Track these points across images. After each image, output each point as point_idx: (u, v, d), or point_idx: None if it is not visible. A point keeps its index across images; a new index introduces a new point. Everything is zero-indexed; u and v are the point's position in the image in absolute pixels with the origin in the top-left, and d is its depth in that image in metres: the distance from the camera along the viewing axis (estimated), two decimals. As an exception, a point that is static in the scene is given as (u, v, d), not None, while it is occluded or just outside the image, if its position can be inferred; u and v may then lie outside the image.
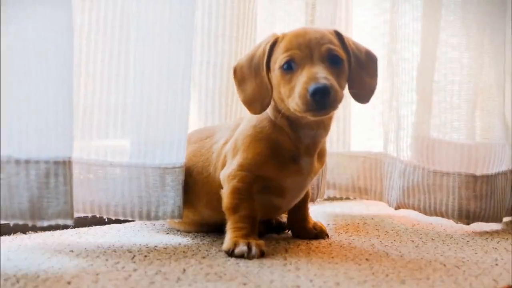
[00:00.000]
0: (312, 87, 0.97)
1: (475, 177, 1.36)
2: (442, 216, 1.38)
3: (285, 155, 1.09)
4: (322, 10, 1.43)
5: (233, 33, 1.33)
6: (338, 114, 1.57)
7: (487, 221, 1.37)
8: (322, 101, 0.97)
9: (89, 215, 1.15)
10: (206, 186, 1.15)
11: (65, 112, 0.99)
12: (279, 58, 1.04)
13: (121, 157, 1.13)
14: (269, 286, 0.86)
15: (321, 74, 0.98)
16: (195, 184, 1.16)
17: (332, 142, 1.55)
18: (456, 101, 1.40)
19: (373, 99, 1.55)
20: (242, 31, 1.35)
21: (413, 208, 1.41)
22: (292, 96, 1.01)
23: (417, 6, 1.42)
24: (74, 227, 1.24)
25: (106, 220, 1.25)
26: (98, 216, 1.14)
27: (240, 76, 1.10)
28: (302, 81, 0.99)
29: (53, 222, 0.98)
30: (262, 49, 1.08)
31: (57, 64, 0.98)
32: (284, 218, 1.28)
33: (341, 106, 1.56)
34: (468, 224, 1.37)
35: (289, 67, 1.03)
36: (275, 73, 1.05)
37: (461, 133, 1.41)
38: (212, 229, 1.21)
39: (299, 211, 1.21)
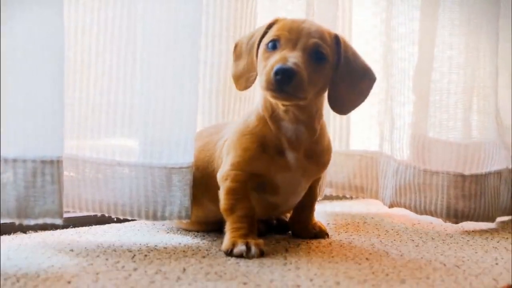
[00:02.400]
0: (277, 66, 0.97)
1: (463, 176, 1.36)
2: (431, 215, 1.39)
3: (272, 148, 1.08)
4: (321, 8, 1.43)
5: (230, 33, 1.33)
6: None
7: (477, 220, 1.37)
8: (283, 83, 0.97)
9: (99, 214, 1.15)
10: (211, 180, 1.15)
11: (54, 111, 0.99)
12: (268, 36, 1.06)
13: (129, 156, 1.14)
14: (269, 285, 0.86)
15: (292, 59, 0.99)
16: (202, 178, 1.16)
17: (335, 140, 1.55)
18: (445, 100, 1.41)
19: (370, 97, 1.57)
20: (239, 31, 1.35)
21: (405, 207, 1.42)
22: (263, 73, 1.01)
23: (413, 6, 1.42)
24: (74, 226, 1.24)
25: (106, 219, 1.25)
26: (106, 215, 1.15)
27: (238, 52, 1.13)
28: (273, 60, 1.00)
29: (40, 221, 0.98)
30: (262, 28, 1.10)
31: (47, 63, 0.98)
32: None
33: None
34: (456, 223, 1.37)
35: (273, 47, 1.04)
36: (260, 50, 1.06)
37: (452, 132, 1.41)
38: (216, 227, 1.21)
39: (303, 212, 1.21)
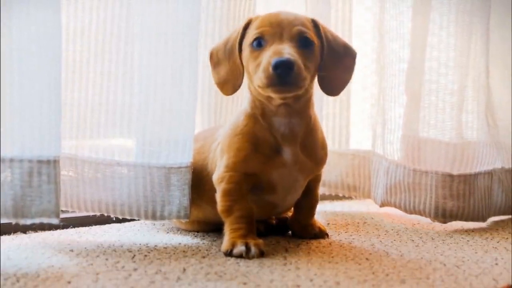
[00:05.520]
0: (274, 60, 0.97)
1: (451, 176, 1.36)
2: (420, 214, 1.39)
3: (265, 146, 1.08)
4: (319, 8, 1.43)
5: (223, 33, 1.33)
6: (334, 112, 1.57)
7: (466, 220, 1.38)
8: (284, 75, 0.97)
9: (97, 213, 1.16)
10: (207, 183, 1.15)
11: (51, 112, 0.99)
12: (249, 35, 1.05)
13: (128, 156, 1.14)
14: (269, 285, 0.86)
15: (286, 50, 0.99)
16: (199, 181, 1.16)
17: (327, 139, 1.55)
18: (436, 100, 1.41)
19: (367, 96, 1.57)
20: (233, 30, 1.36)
21: (395, 206, 1.43)
22: (258, 72, 1.01)
23: (406, 7, 1.43)
24: (74, 226, 1.24)
25: (106, 219, 1.25)
26: (105, 214, 1.15)
27: (216, 59, 1.12)
28: (267, 55, 1.00)
29: (37, 221, 0.98)
30: (237, 31, 1.10)
31: (45, 63, 0.98)
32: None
33: (339, 104, 1.55)
34: (444, 222, 1.38)
35: (259, 44, 1.04)
36: (245, 51, 1.06)
37: (443, 132, 1.41)
38: (216, 227, 1.21)
39: (303, 212, 1.21)
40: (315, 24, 1.09)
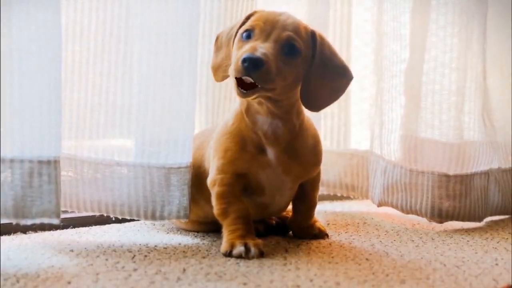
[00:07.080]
0: (245, 55, 0.97)
1: (448, 176, 1.37)
2: (417, 214, 1.40)
3: (250, 145, 1.08)
4: (318, 8, 1.43)
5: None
6: (333, 111, 1.57)
7: (462, 220, 1.38)
8: (250, 71, 0.96)
9: (97, 214, 1.16)
10: (204, 181, 1.14)
11: (51, 112, 0.99)
12: (245, 26, 1.05)
13: (127, 156, 1.14)
14: (269, 286, 0.86)
15: (262, 49, 0.98)
16: (196, 178, 1.16)
17: (326, 139, 1.55)
18: (432, 101, 1.42)
19: (367, 96, 1.57)
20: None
21: (392, 206, 1.43)
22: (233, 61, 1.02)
23: (404, 8, 1.42)
24: (74, 226, 1.24)
25: (106, 219, 1.25)
26: (105, 215, 1.15)
27: (219, 44, 1.13)
28: (244, 49, 1.00)
29: (37, 221, 0.98)
30: (241, 20, 1.10)
31: (45, 64, 0.98)
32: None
33: (338, 104, 1.54)
34: (440, 222, 1.38)
35: (248, 36, 1.03)
36: (236, 40, 1.06)
37: (441, 133, 1.42)
38: (216, 228, 1.21)
39: (302, 213, 1.20)
40: (313, 36, 1.07)
